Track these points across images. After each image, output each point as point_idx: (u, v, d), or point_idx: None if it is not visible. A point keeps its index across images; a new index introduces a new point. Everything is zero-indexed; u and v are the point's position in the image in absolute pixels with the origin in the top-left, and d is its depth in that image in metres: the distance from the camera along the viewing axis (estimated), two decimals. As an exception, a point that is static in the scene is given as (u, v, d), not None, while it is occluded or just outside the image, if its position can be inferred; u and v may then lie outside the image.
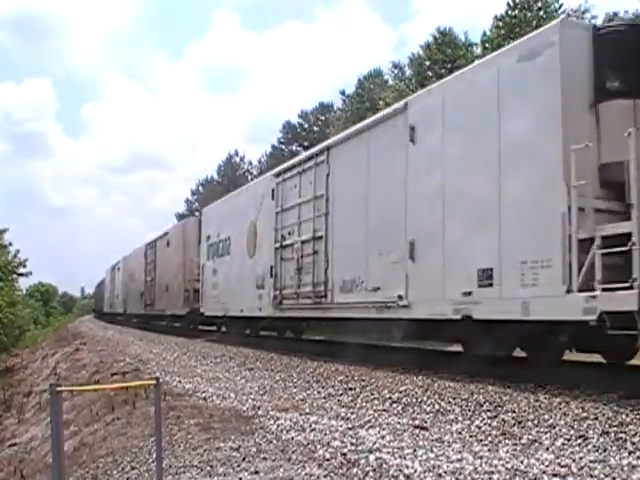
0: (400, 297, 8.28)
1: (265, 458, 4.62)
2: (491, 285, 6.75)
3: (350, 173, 9.97)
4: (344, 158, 10.25)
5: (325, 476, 4.06)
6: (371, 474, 3.98)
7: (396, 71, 30.97)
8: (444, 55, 25.04)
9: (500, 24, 23.52)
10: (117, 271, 37.65)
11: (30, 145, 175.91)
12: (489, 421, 5.21)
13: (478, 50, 24.85)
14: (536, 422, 4.98)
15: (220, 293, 16.04)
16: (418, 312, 8.02)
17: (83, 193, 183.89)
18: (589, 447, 4.23)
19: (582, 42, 6.40)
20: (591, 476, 3.64)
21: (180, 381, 8.83)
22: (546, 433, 4.66)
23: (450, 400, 6.07)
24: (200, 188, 51.96)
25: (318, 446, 4.77)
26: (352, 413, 6.02)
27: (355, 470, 4.09)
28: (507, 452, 4.27)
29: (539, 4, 23.51)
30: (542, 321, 6.25)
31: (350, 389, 7.27)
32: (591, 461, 3.90)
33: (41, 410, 12.31)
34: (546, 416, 5.08)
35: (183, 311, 20.13)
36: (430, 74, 24.98)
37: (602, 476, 3.62)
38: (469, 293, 7.05)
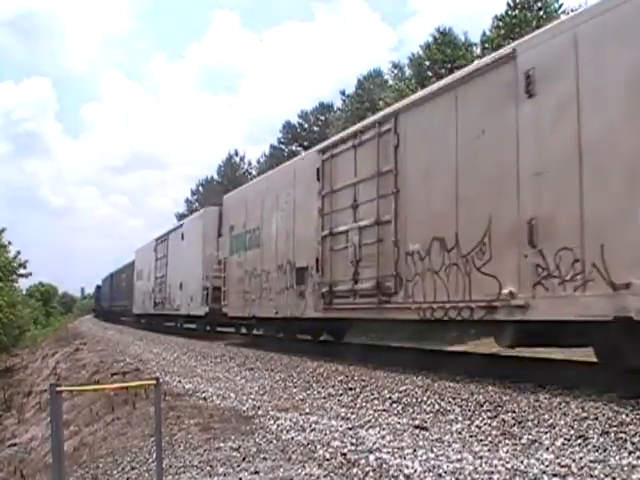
0: None
1: (265, 458, 4.63)
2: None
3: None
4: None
5: (325, 476, 4.06)
6: (371, 474, 3.98)
7: (396, 71, 30.94)
8: (444, 55, 25.02)
9: (500, 24, 23.52)
10: (179, 241, 20.92)
11: (30, 145, 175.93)
12: (489, 421, 5.21)
13: (478, 50, 24.85)
14: (536, 422, 4.98)
15: None
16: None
17: (83, 193, 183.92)
18: (589, 447, 4.23)
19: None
20: (591, 476, 3.64)
21: (180, 381, 8.83)
22: (546, 433, 4.66)
23: (450, 400, 6.07)
24: (200, 188, 51.88)
25: (318, 446, 4.77)
26: (352, 413, 6.01)
27: (355, 470, 4.09)
28: (507, 452, 4.27)
29: (539, 4, 23.50)
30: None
31: (350, 389, 7.27)
32: (591, 461, 3.90)
33: (41, 410, 12.32)
34: (546, 416, 5.08)
35: None
36: (430, 74, 24.98)
37: (602, 476, 3.62)
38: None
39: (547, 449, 4.27)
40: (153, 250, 25.19)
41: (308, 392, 7.41)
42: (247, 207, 14.51)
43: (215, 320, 17.66)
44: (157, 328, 24.53)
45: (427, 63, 26.26)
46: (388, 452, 4.44)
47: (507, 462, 3.99)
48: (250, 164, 48.98)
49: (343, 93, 36.79)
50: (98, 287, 53.88)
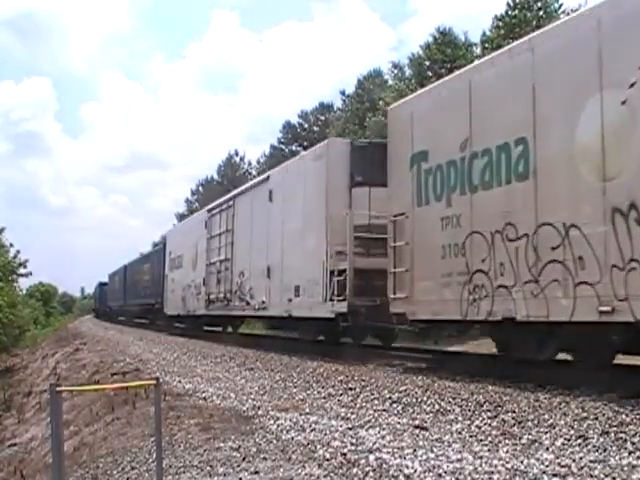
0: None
1: (265, 458, 4.63)
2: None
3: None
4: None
5: (325, 476, 4.06)
6: (371, 474, 3.98)
7: (396, 71, 30.96)
8: (444, 55, 25.02)
9: (500, 24, 23.53)
10: (264, 203, 13.53)
11: (30, 145, 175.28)
12: (489, 421, 5.21)
13: (478, 50, 24.85)
14: (536, 422, 4.98)
15: None
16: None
17: (83, 193, 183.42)
18: (589, 447, 4.23)
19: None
20: (591, 476, 3.64)
21: (180, 381, 8.83)
22: (546, 433, 4.66)
23: (450, 400, 6.07)
24: (200, 188, 51.90)
25: (318, 446, 4.77)
26: (352, 413, 6.01)
27: (355, 470, 4.09)
28: (507, 452, 4.27)
29: (539, 4, 23.50)
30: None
31: (350, 389, 7.27)
32: (591, 461, 3.90)
33: (41, 410, 12.32)
34: (546, 416, 5.08)
35: None
36: (430, 74, 24.99)
37: (602, 476, 3.62)
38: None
39: (547, 449, 4.27)
40: (203, 226, 17.63)
41: (308, 392, 7.41)
42: (475, 105, 7.70)
43: (359, 326, 10.39)
44: (210, 336, 17.50)
45: (427, 63, 26.27)
46: (388, 452, 4.44)
47: (507, 462, 3.99)
48: (250, 164, 49.00)
49: (343, 93, 36.87)
50: (101, 284, 47.82)
